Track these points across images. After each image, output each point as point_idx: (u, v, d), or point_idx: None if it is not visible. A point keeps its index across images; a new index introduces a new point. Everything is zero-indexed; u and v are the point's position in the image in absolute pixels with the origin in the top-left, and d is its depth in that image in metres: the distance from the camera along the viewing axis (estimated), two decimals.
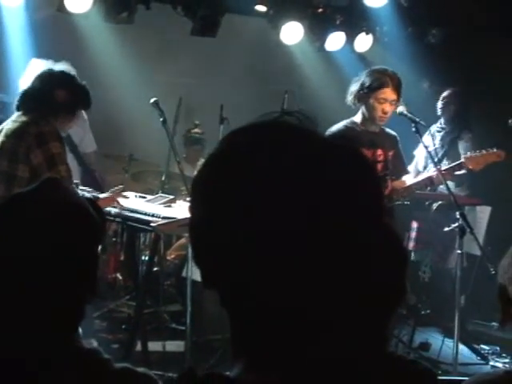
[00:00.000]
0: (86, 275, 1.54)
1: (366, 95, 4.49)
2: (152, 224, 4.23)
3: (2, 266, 1.49)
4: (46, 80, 3.96)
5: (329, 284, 0.90)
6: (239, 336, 0.96)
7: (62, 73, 4.00)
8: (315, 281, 0.90)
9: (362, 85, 4.50)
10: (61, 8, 5.52)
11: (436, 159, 4.77)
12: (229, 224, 0.91)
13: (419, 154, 5.85)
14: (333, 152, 0.94)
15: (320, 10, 6.57)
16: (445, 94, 6.16)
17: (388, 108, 4.47)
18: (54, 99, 3.93)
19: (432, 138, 5.39)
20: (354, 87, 4.56)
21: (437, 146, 5.72)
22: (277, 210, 0.88)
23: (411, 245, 5.50)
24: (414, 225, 5.56)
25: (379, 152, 4.60)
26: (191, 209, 0.97)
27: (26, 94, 3.95)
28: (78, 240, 1.51)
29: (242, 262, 0.90)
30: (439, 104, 6.15)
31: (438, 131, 6.04)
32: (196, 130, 6.83)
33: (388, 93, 4.45)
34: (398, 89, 4.48)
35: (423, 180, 4.75)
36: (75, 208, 1.54)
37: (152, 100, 4.83)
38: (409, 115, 4.52)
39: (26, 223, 1.51)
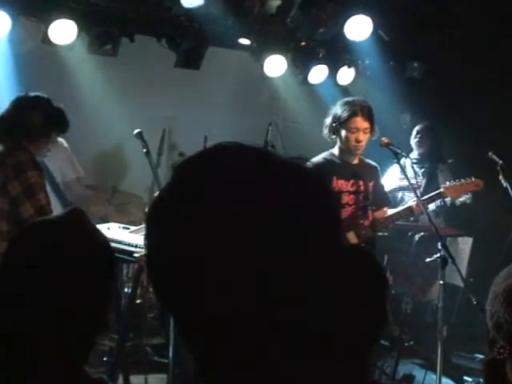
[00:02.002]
0: (106, 305, 1.57)
1: (338, 127, 4.49)
2: (135, 255, 4.22)
3: (29, 290, 1.49)
4: (20, 105, 3.96)
5: (298, 312, 0.88)
6: (204, 371, 0.94)
7: (36, 97, 3.99)
8: (279, 308, 0.88)
9: (334, 117, 4.51)
10: (45, 40, 5.54)
11: (416, 186, 4.77)
12: (180, 256, 0.89)
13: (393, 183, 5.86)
14: (279, 174, 0.93)
15: (303, 43, 6.65)
16: (418, 128, 6.26)
17: (361, 137, 4.45)
18: (27, 122, 3.91)
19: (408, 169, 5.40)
20: (327, 120, 4.57)
21: (419, 174, 5.77)
22: (229, 238, 0.87)
23: (391, 278, 5.50)
24: (394, 258, 5.56)
25: (361, 183, 4.59)
26: (146, 247, 0.95)
27: (1, 121, 3.93)
28: (103, 270, 1.55)
29: (202, 300, 0.88)
30: (414, 138, 6.23)
31: (414, 163, 6.08)
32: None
33: (359, 122, 4.43)
34: (369, 117, 4.46)
35: (403, 210, 4.76)
36: (101, 240, 1.61)
37: (135, 131, 4.82)
38: (391, 146, 4.53)
39: (53, 251, 1.53)
